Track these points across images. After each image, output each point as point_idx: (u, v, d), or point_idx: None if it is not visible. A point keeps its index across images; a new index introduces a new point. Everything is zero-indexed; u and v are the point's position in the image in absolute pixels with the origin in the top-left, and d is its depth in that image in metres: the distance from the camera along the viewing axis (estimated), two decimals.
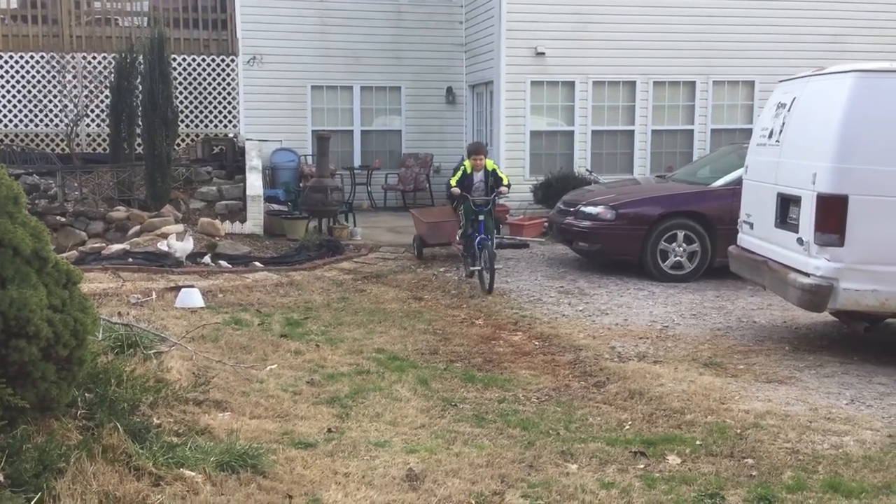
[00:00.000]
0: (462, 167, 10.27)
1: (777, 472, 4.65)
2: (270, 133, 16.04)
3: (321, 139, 13.23)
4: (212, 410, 5.16)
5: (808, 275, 6.61)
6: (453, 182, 10.21)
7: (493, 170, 10.21)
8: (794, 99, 7.29)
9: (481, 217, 9.92)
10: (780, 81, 7.94)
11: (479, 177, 10.18)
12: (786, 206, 7.13)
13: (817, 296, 6.51)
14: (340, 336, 7.52)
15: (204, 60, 14.97)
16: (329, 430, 5.09)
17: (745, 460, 4.83)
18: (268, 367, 6.35)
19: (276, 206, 14.09)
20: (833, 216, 6.41)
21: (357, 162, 17.12)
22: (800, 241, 6.74)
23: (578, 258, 11.46)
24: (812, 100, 7.04)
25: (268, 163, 15.85)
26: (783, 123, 7.35)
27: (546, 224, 12.90)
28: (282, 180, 15.63)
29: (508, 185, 10.06)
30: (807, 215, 6.65)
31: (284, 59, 16.43)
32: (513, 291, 9.63)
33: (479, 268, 9.65)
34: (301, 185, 14.74)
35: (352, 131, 17.22)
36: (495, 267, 9.54)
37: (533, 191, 14.66)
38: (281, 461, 4.47)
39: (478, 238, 9.77)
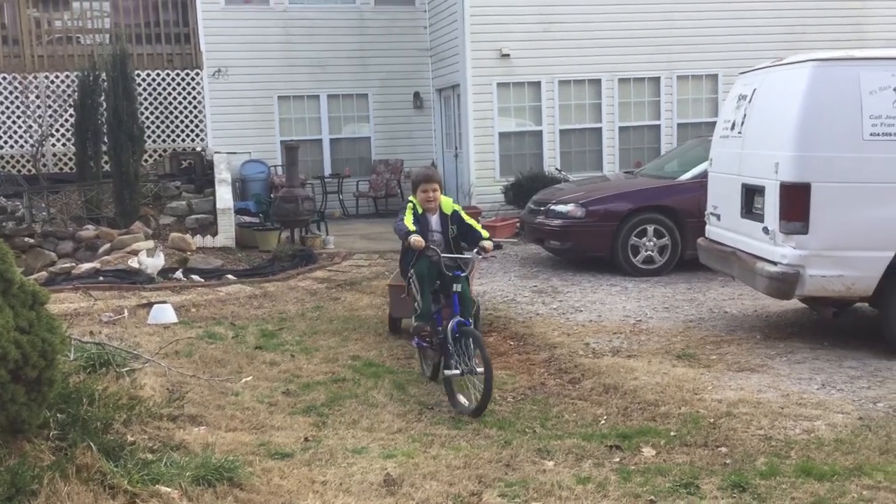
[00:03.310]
0: (409, 206, 6.33)
1: (750, 459, 4.71)
2: (239, 145, 16.00)
3: (289, 149, 13.22)
4: (187, 425, 5.13)
5: (774, 263, 6.69)
6: (410, 222, 6.16)
7: (455, 212, 6.37)
8: (755, 90, 7.39)
9: (456, 287, 6.04)
10: (741, 73, 8.05)
11: (433, 222, 6.35)
12: (750, 197, 7.22)
13: (785, 283, 6.60)
14: (315, 345, 7.51)
15: (168, 75, 14.88)
16: (306, 440, 5.09)
17: (719, 449, 4.89)
18: (243, 380, 6.33)
19: (247, 219, 14.04)
20: (796, 204, 6.51)
21: (327, 170, 17.11)
22: (765, 230, 6.83)
23: (551, 257, 11.52)
24: (772, 90, 7.13)
25: (237, 175, 15.80)
26: (745, 115, 7.45)
27: (518, 224, 12.96)
28: (252, 192, 15.59)
29: (489, 239, 6.27)
30: (771, 204, 6.74)
31: (249, 70, 16.40)
32: (487, 293, 9.66)
33: (459, 371, 5.76)
34: (272, 195, 14.71)
35: (321, 140, 17.20)
36: (491, 366, 5.63)
37: (504, 192, 14.73)
38: (258, 473, 4.45)
39: (452, 321, 5.89)
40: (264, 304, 9.31)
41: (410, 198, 6.40)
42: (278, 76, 16.67)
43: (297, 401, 5.90)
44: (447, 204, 6.40)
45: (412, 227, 6.10)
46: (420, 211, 6.31)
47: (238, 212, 13.78)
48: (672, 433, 5.12)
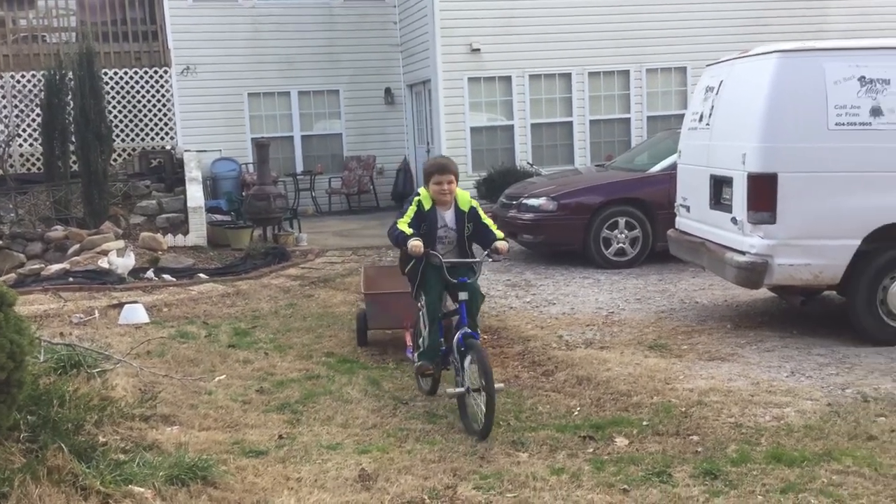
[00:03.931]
0: (416, 200, 5.54)
1: (722, 447, 4.77)
2: (209, 143, 15.88)
3: (260, 146, 13.15)
4: (159, 425, 5.11)
5: (743, 253, 6.77)
6: (405, 225, 5.43)
7: (473, 208, 5.59)
8: (722, 82, 7.46)
9: (463, 295, 5.41)
10: (708, 66, 8.12)
11: (447, 218, 5.56)
12: (719, 188, 7.29)
13: (753, 273, 6.68)
14: (289, 342, 7.49)
15: (136, 73, 14.72)
16: (280, 437, 5.08)
17: (691, 437, 4.95)
18: (216, 379, 6.31)
19: (218, 217, 13.96)
20: (764, 194, 6.58)
21: (299, 168, 17.03)
22: (734, 220, 6.91)
23: (524, 250, 11.56)
24: (738, 82, 7.21)
25: (208, 173, 15.70)
26: (712, 107, 7.52)
27: (491, 218, 12.97)
28: (223, 190, 15.49)
29: (504, 240, 5.59)
30: (739, 195, 6.81)
31: (218, 67, 16.28)
32: None
33: (463, 389, 5.26)
34: (243, 193, 14.63)
35: (292, 137, 17.13)
36: (494, 386, 5.00)
37: (476, 186, 14.73)
38: (232, 471, 4.44)
39: (458, 332, 5.37)
40: (237, 303, 9.26)
41: (419, 190, 5.59)
42: (248, 73, 16.56)
43: (271, 398, 5.89)
44: (464, 199, 5.55)
45: (408, 231, 5.36)
46: (427, 207, 5.48)
47: (209, 210, 13.68)
48: (644, 423, 5.18)
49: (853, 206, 6.54)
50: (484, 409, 4.99)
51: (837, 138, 6.52)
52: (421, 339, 5.66)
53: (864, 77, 6.54)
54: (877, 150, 6.53)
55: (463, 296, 5.38)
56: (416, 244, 5.29)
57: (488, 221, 5.65)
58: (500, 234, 5.59)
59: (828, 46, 6.97)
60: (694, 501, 4.11)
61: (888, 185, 6.55)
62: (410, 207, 5.50)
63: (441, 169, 5.49)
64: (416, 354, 5.82)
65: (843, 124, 6.52)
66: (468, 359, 5.22)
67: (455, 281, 5.38)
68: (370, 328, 7.27)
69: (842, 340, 6.82)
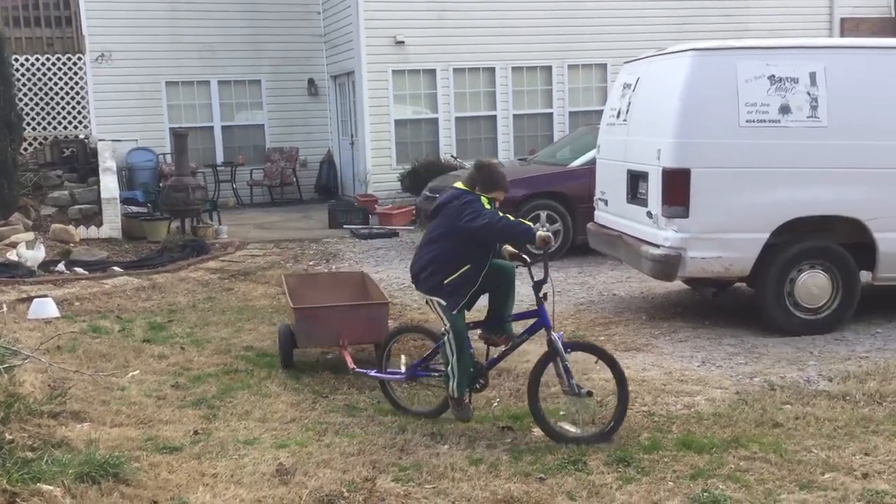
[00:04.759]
0: (484, 199, 4.93)
1: (635, 435, 4.89)
2: (125, 132, 15.47)
3: (178, 136, 12.87)
4: (69, 422, 4.96)
5: (658, 246, 6.94)
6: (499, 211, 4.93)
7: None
8: (638, 79, 7.62)
9: (544, 291, 5.01)
10: (625, 63, 8.28)
11: None
12: (635, 182, 7.45)
13: (667, 265, 6.85)
14: (207, 337, 7.35)
15: (49, 59, 14.22)
16: (195, 433, 4.99)
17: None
18: (129, 374, 6.15)
19: (134, 208, 13.62)
20: (678, 189, 6.76)
21: (219, 158, 16.72)
22: (649, 214, 7.07)
23: None
24: (654, 79, 7.37)
25: (124, 163, 15.30)
26: (629, 103, 7.68)
27: (414, 212, 12.99)
28: (140, 181, 15.13)
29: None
30: (654, 190, 6.98)
31: (135, 55, 15.83)
32: (383, 280, 9.65)
33: (577, 434, 4.85)
34: (161, 184, 14.29)
35: (212, 127, 16.80)
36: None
37: (400, 179, 14.74)
38: (145, 468, 4.36)
39: (557, 335, 4.96)
40: (153, 297, 9.05)
41: (479, 193, 4.92)
42: (166, 61, 16.14)
43: (187, 394, 5.78)
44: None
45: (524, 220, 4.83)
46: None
47: (125, 201, 13.34)
48: (561, 412, 5.25)
49: (762, 200, 6.76)
50: (590, 408, 4.97)
51: (748, 135, 6.73)
52: (450, 370, 4.97)
53: (773, 76, 6.77)
54: (785, 147, 6.76)
55: (545, 292, 4.94)
56: (546, 234, 4.76)
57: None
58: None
59: (740, 46, 7.17)
60: (607, 488, 4.20)
61: (795, 180, 6.79)
62: (482, 201, 4.86)
63: (501, 182, 5.00)
64: (452, 384, 4.98)
65: (754, 121, 6.73)
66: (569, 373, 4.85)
67: (538, 280, 4.93)
68: (299, 347, 6.38)
69: (751, 331, 7.05)
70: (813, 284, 6.91)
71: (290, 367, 6.36)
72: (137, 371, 6.24)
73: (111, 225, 12.30)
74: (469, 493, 4.17)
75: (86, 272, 10.06)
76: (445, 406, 5.21)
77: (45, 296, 8.43)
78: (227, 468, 4.44)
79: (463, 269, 4.93)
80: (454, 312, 4.94)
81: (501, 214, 4.86)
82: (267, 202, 16.79)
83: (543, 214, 10.57)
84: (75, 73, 14.39)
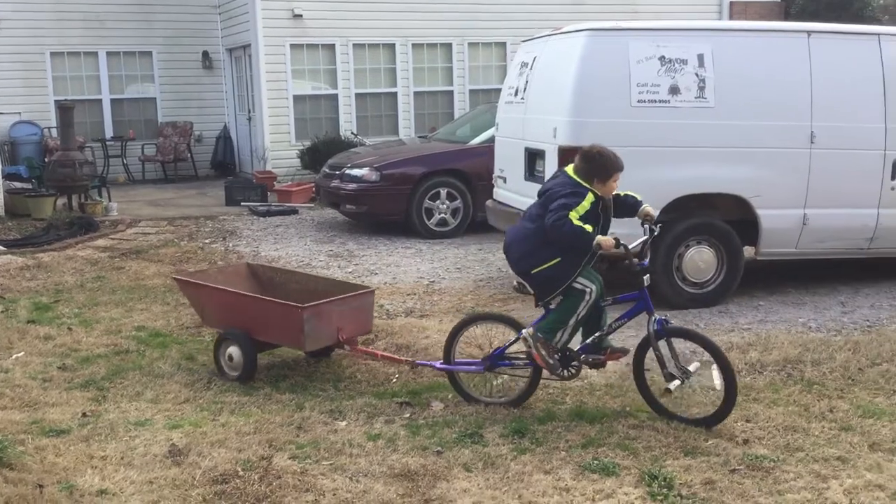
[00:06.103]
0: (589, 195, 4.72)
1: (530, 407, 5.00)
2: (7, 105, 14.79)
3: (64, 109, 12.31)
4: None
5: None
6: (577, 218, 4.62)
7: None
8: (535, 58, 7.71)
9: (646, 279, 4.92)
10: (523, 42, 8.37)
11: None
12: (533, 160, 7.56)
13: None
14: (96, 317, 7.11)
15: None
16: (84, 415, 4.84)
17: (502, 398, 5.13)
18: (13, 356, 5.91)
19: (18, 184, 13.01)
20: None
21: (109, 133, 16.11)
22: None
23: (348, 221, 11.53)
24: (550, 58, 7.48)
25: (6, 137, 14.63)
26: (527, 82, 7.77)
27: (314, 189, 12.84)
28: (23, 156, 14.48)
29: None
30: (551, 167, 7.08)
31: (17, 24, 15.08)
32: (282, 258, 9.53)
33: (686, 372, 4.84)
34: (46, 159, 13.70)
35: (101, 100, 16.15)
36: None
37: (300, 156, 14.54)
38: (30, 451, 4.21)
39: (654, 319, 4.88)
40: (38, 276, 8.67)
41: (583, 183, 4.73)
42: (50, 30, 15.41)
43: (75, 375, 5.59)
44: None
45: (588, 228, 4.59)
46: (595, 199, 4.72)
47: (7, 177, 12.75)
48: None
49: (652, 178, 6.91)
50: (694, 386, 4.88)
51: (639, 114, 6.90)
52: (561, 331, 4.83)
53: (664, 57, 6.96)
54: (674, 127, 6.97)
55: (646, 281, 4.87)
56: (606, 240, 4.60)
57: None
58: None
59: (632, 27, 7.34)
60: (503, 459, 4.29)
61: (684, 159, 7.02)
62: (584, 202, 4.64)
63: (617, 164, 4.86)
64: (567, 334, 4.86)
65: (645, 101, 6.91)
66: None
67: (639, 268, 4.83)
68: (307, 350, 5.57)
69: None
70: (699, 259, 7.18)
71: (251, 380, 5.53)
72: (22, 353, 5.99)
73: None
74: (367, 468, 4.19)
75: None
76: (528, 393, 5.04)
77: None
78: (117, 450, 4.33)
79: (558, 259, 4.75)
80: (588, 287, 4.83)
81: (580, 210, 4.61)
82: (160, 178, 16.30)
83: (443, 192, 10.63)
84: None
